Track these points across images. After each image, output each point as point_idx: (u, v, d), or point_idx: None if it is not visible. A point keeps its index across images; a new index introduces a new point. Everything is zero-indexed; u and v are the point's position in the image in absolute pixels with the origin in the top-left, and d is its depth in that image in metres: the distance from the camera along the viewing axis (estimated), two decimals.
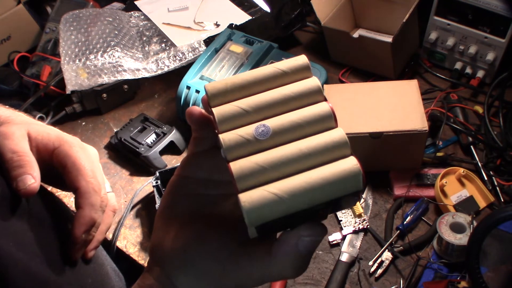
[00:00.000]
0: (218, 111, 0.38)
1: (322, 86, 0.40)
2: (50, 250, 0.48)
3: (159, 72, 1.03)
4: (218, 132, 0.38)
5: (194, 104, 0.94)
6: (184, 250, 0.40)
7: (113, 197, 0.59)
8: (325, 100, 0.38)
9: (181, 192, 0.43)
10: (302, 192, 0.34)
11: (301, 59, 0.39)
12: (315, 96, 0.38)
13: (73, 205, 0.92)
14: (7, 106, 0.58)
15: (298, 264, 0.37)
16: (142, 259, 0.82)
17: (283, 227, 0.37)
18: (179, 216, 0.42)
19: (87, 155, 0.53)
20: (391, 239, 0.79)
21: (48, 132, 0.53)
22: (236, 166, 0.35)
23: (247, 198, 0.34)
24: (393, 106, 0.85)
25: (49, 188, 0.95)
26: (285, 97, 0.38)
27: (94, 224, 0.50)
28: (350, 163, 0.34)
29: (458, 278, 0.72)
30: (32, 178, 0.46)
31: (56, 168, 0.51)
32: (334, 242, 0.81)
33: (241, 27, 1.07)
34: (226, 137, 0.36)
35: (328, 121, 0.37)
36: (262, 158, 0.36)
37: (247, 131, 0.37)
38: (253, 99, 0.38)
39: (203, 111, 0.41)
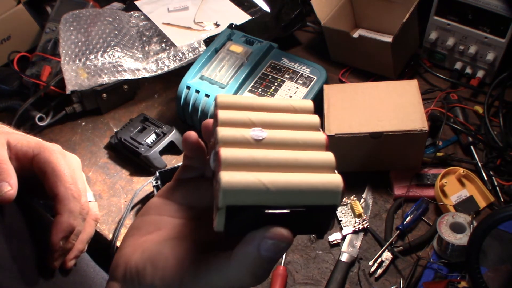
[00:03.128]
0: (223, 112, 0.39)
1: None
2: (22, 262, 0.47)
3: (159, 72, 1.03)
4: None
5: (194, 104, 0.94)
6: (149, 262, 0.38)
7: (95, 206, 0.58)
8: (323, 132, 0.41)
9: (158, 213, 0.43)
10: (286, 187, 0.35)
11: (309, 103, 0.43)
12: (314, 128, 0.41)
13: None
14: None
15: (256, 269, 0.35)
16: None
17: (253, 223, 0.36)
18: (150, 234, 0.41)
19: (68, 162, 0.52)
20: (391, 239, 0.79)
21: (28, 140, 0.52)
22: (226, 150, 0.36)
23: (228, 174, 0.34)
24: (393, 106, 0.85)
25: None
26: (289, 121, 0.41)
27: (72, 231, 0.49)
28: (335, 177, 0.36)
29: (458, 278, 0.72)
30: (8, 186, 0.46)
31: (36, 175, 0.50)
32: (334, 242, 0.81)
33: (241, 27, 1.07)
34: (223, 130, 0.38)
35: (320, 147, 0.39)
36: (254, 151, 0.37)
37: (245, 130, 0.38)
38: (259, 114, 0.40)
39: (199, 139, 0.42)
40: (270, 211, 0.35)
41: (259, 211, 0.35)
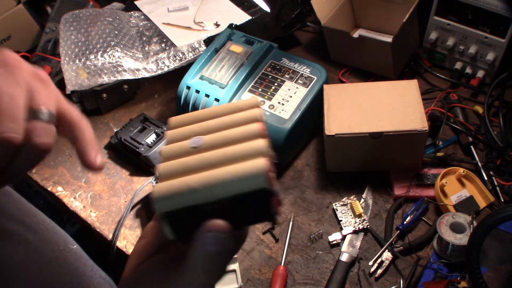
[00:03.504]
0: (169, 132, 0.43)
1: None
2: (23, 265, 0.48)
3: (159, 72, 1.03)
4: None
5: (194, 104, 0.94)
6: (139, 283, 0.40)
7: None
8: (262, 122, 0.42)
9: (154, 236, 0.44)
10: (210, 182, 0.36)
11: (253, 99, 0.44)
12: (255, 120, 0.42)
13: (73, 205, 0.92)
14: None
15: (208, 266, 0.36)
16: None
17: (197, 223, 0.37)
18: (146, 257, 0.43)
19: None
20: (391, 239, 0.79)
21: None
22: (162, 165, 0.39)
23: (159, 184, 0.37)
24: (393, 106, 0.85)
25: (50, 188, 0.95)
26: (229, 121, 0.42)
27: None
28: (258, 162, 0.37)
29: (458, 278, 0.72)
30: None
31: None
32: (334, 242, 0.81)
33: (241, 27, 1.07)
34: (164, 148, 0.41)
35: (256, 136, 0.39)
36: (188, 158, 0.39)
37: (185, 142, 0.41)
38: (204, 123, 0.42)
39: None
40: (203, 207, 0.36)
41: (194, 210, 0.36)
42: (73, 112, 0.41)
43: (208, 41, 1.05)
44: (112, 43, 1.04)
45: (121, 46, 1.05)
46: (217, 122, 0.42)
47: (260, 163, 0.36)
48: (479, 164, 0.87)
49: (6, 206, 0.59)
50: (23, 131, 0.35)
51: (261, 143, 0.38)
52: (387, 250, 0.78)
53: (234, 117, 0.42)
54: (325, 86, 0.90)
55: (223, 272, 0.38)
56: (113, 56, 1.02)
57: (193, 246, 0.36)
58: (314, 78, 0.92)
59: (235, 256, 0.79)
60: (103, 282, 0.60)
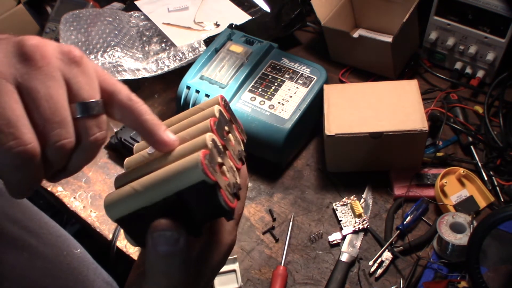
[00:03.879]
0: (136, 144, 0.44)
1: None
2: (26, 272, 0.49)
3: (159, 72, 1.03)
4: None
5: (194, 104, 0.94)
6: None
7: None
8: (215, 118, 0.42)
9: None
10: (153, 183, 0.36)
11: (214, 98, 0.44)
12: (211, 117, 0.42)
13: (73, 205, 0.92)
14: None
15: (166, 269, 0.35)
16: None
17: (148, 225, 0.37)
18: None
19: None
20: (391, 239, 0.79)
21: None
22: (120, 174, 0.40)
23: (109, 194, 0.37)
24: (393, 106, 0.85)
25: (50, 188, 0.95)
26: (187, 122, 0.43)
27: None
28: (193, 155, 0.36)
29: (458, 278, 0.72)
30: None
31: None
32: (334, 242, 0.81)
33: (241, 27, 1.07)
34: (127, 159, 0.41)
35: (205, 131, 0.39)
36: (141, 164, 0.39)
37: (145, 150, 0.41)
38: (172, 128, 0.43)
39: None
40: (151, 209, 0.36)
41: (143, 214, 0.36)
42: (121, 91, 0.36)
43: (208, 41, 1.05)
44: (112, 43, 1.04)
45: (121, 46, 1.05)
46: (177, 126, 0.42)
47: (195, 156, 0.35)
48: (479, 164, 0.87)
49: (10, 210, 0.59)
50: (74, 131, 0.32)
51: (203, 139, 0.38)
52: (387, 250, 0.78)
53: (194, 117, 0.42)
54: (325, 86, 0.90)
55: (184, 275, 0.36)
56: (113, 56, 1.02)
57: (147, 249, 0.36)
58: (314, 78, 0.92)
59: (235, 256, 0.79)
60: (106, 286, 0.60)
